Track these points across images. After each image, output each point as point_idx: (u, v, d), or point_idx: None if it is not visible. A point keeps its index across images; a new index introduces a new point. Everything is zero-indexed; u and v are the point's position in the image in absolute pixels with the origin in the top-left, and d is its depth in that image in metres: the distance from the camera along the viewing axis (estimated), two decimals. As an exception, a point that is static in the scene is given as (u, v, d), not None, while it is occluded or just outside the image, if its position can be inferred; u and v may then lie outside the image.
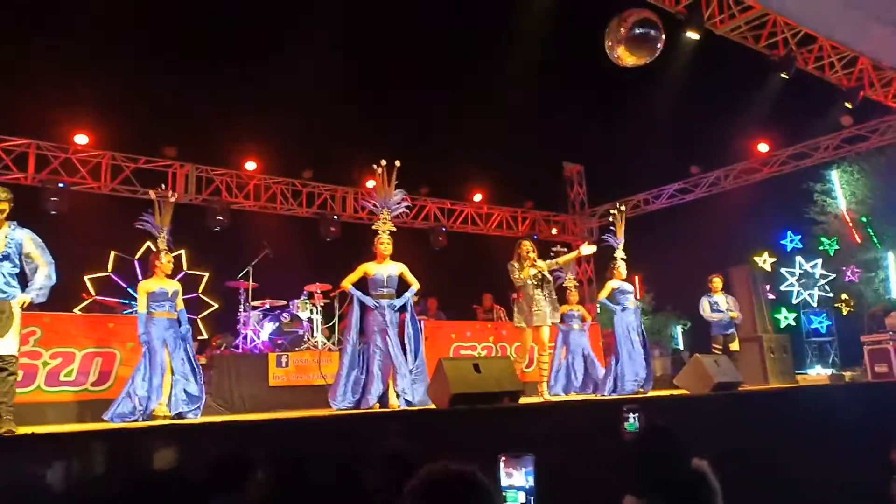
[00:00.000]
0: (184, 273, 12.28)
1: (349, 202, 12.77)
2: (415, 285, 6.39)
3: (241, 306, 8.81)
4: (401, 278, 6.37)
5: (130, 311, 8.51)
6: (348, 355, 6.20)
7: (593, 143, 13.99)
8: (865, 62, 8.94)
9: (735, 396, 5.82)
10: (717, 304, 8.57)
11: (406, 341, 6.19)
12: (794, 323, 14.09)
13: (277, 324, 8.74)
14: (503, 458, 1.93)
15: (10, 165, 9.88)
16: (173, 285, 6.10)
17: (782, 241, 14.19)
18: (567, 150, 15.51)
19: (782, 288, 14.51)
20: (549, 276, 6.81)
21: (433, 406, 5.18)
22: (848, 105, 9.08)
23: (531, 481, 1.89)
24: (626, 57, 5.77)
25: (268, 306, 9.06)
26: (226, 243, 11.23)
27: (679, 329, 17.41)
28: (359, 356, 6.22)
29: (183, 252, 12.28)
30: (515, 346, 10.03)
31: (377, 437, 3.51)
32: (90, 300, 9.92)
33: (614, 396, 7.08)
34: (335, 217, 12.26)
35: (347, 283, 6.29)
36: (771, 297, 13.84)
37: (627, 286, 7.71)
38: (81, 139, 10.20)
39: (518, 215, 15.13)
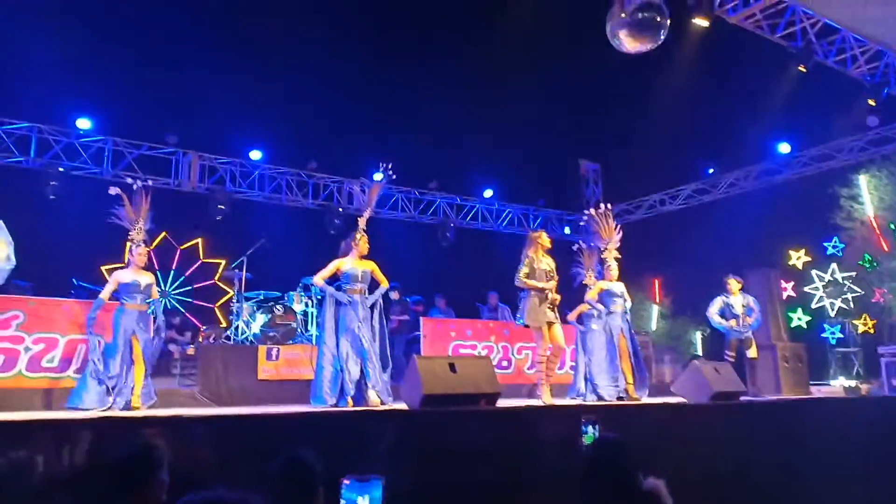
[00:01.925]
0: (200, 262, 12.32)
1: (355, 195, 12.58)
2: (384, 284, 6.30)
3: (234, 297, 8.63)
4: (372, 276, 6.21)
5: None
6: (327, 351, 6.05)
7: (610, 141, 13.62)
8: (891, 56, 8.41)
9: (731, 407, 5.46)
10: (733, 308, 8.12)
11: (376, 338, 6.03)
12: (805, 326, 13.54)
13: (270, 315, 8.54)
14: (345, 483, 1.66)
15: (12, 148, 9.84)
16: (147, 277, 6.00)
17: (825, 244, 13.62)
18: (583, 148, 15.13)
19: (806, 289, 13.97)
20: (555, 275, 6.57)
21: (405, 406, 4.92)
22: (871, 102, 8.56)
23: (378, 509, 1.61)
24: (628, 42, 5.45)
25: (261, 297, 8.88)
26: (229, 233, 11.12)
27: (698, 335, 16.91)
28: (335, 353, 6.04)
29: (200, 241, 12.29)
30: (518, 347, 9.77)
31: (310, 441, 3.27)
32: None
33: (600, 402, 6.77)
34: (340, 209, 12.05)
35: (320, 279, 6.16)
36: (791, 294, 13.35)
37: (617, 288, 7.40)
38: (84, 124, 10.11)
39: (530, 213, 14.80)
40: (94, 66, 9.56)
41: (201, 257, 12.47)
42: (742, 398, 6.16)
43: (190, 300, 12.31)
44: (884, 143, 10.99)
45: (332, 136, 11.60)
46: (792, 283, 13.39)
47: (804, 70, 7.80)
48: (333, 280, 6.29)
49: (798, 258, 13.77)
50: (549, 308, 6.36)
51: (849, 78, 8.81)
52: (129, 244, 6.08)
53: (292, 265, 9.52)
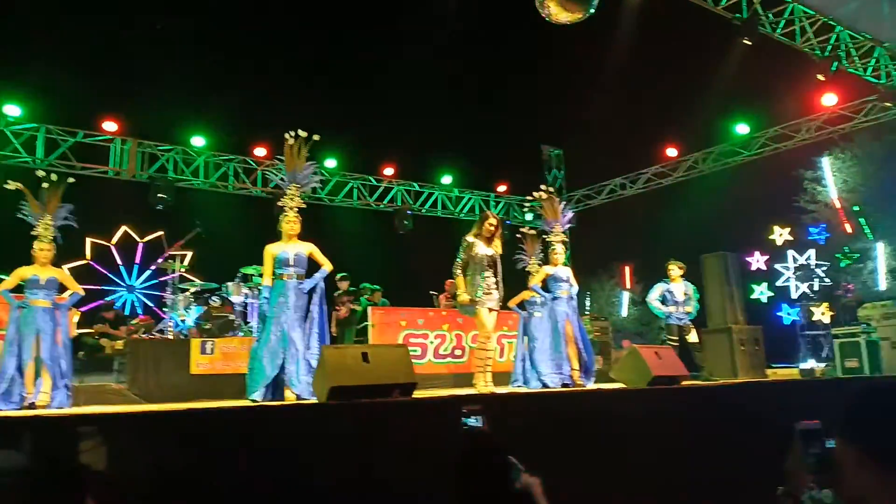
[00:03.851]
0: (166, 254, 11.84)
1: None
2: (326, 266, 5.81)
3: (168, 288, 8.25)
4: (310, 258, 5.78)
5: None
6: (258, 342, 5.71)
7: (571, 125, 13.39)
8: (841, 29, 8.15)
9: (666, 392, 5.23)
10: (674, 294, 7.98)
11: (310, 325, 5.60)
12: (765, 301, 13.49)
13: (205, 308, 8.18)
14: None
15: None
16: (49, 273, 5.68)
17: (811, 228, 13.56)
18: (545, 133, 14.88)
19: (777, 266, 13.91)
20: (499, 259, 6.31)
21: (314, 400, 4.62)
22: (821, 77, 8.31)
23: None
24: (558, 13, 5.15)
25: (198, 288, 8.51)
26: (172, 223, 10.69)
27: (669, 321, 16.81)
28: (266, 342, 5.68)
29: (163, 233, 11.78)
30: (473, 335, 9.49)
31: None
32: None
33: (541, 390, 6.55)
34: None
35: (267, 279, 5.73)
36: (762, 267, 13.29)
37: (563, 273, 7.15)
38: (13, 110, 9.63)
39: (491, 199, 14.53)
40: (25, 50, 9.12)
41: (166, 249, 12.03)
42: (685, 382, 5.94)
43: (158, 293, 11.94)
44: (842, 122, 10.80)
45: (280, 122, 11.18)
46: (766, 258, 13.33)
47: (749, 43, 7.52)
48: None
49: (780, 235, 13.68)
50: (486, 293, 6.10)
51: (804, 55, 8.56)
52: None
53: (234, 255, 9.16)
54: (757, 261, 13.36)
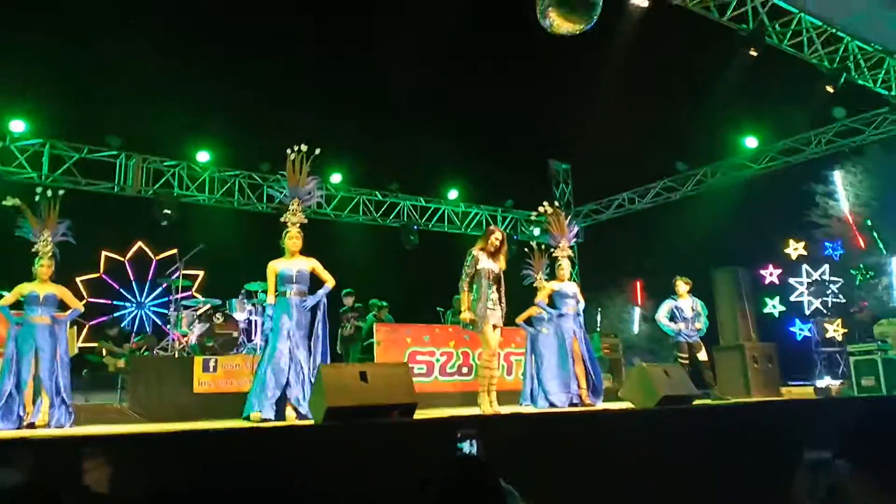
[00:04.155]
0: (179, 272, 11.76)
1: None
2: (329, 282, 5.73)
3: (172, 305, 8.18)
4: (313, 274, 5.71)
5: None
6: (261, 360, 5.62)
7: (579, 139, 13.29)
8: (849, 39, 8.03)
9: (674, 412, 5.07)
10: (682, 311, 7.83)
11: (313, 342, 5.51)
12: (776, 315, 13.26)
13: (209, 325, 8.09)
14: None
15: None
16: (48, 289, 5.63)
17: (826, 243, 13.38)
18: (552, 147, 14.79)
19: (791, 280, 13.69)
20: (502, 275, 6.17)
21: (311, 421, 4.50)
22: (830, 89, 8.17)
23: None
24: (560, 24, 5.07)
25: (202, 306, 8.43)
26: (177, 238, 10.65)
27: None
28: (270, 361, 5.59)
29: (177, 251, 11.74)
30: (480, 352, 9.35)
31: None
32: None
33: (548, 410, 6.40)
34: (297, 213, 11.59)
35: (271, 297, 5.68)
36: (775, 281, 13.08)
37: (569, 289, 7.03)
38: (18, 126, 9.64)
39: (498, 215, 14.44)
40: (29, 65, 9.14)
41: (179, 267, 12.04)
42: (695, 402, 5.77)
43: (165, 311, 11.91)
44: (852, 135, 10.65)
45: (286, 137, 11.16)
46: (780, 272, 13.13)
47: (755, 54, 7.41)
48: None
49: (795, 249, 13.49)
50: (490, 310, 5.96)
51: (812, 67, 8.45)
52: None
53: (239, 271, 9.09)
54: (770, 274, 13.15)
